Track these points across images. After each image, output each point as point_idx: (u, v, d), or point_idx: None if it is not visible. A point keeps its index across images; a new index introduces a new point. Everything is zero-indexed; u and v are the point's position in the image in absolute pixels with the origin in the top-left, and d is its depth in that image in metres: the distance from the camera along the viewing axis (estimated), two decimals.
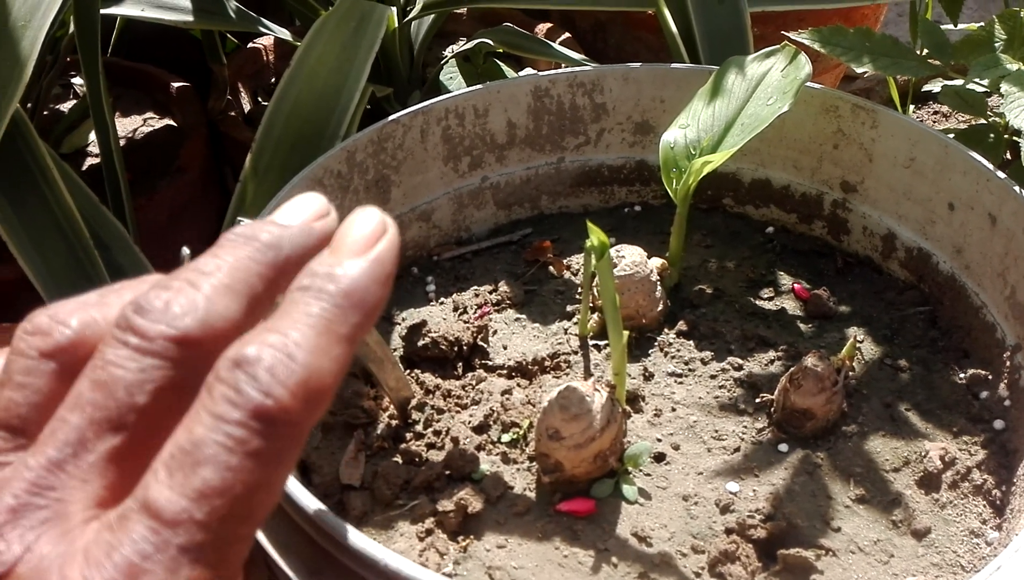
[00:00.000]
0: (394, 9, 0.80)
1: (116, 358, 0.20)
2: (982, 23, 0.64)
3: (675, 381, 0.54)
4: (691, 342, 0.57)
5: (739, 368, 0.55)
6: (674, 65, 0.65)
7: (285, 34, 0.85)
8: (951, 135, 0.60)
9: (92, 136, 0.90)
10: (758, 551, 0.45)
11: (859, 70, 0.61)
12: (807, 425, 0.50)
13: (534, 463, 0.49)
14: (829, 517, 0.47)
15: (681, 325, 0.57)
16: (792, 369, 0.51)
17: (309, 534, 0.39)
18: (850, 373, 0.53)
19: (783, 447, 0.50)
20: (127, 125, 0.93)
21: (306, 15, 0.89)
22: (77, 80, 0.99)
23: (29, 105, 0.82)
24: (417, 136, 0.62)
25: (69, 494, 0.19)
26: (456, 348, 0.55)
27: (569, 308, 0.59)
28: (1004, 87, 0.54)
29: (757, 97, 0.57)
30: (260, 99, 0.95)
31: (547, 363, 0.55)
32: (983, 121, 0.68)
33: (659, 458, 0.50)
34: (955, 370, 0.55)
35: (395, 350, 0.57)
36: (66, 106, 0.96)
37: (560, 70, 0.65)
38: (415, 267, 0.64)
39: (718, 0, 0.72)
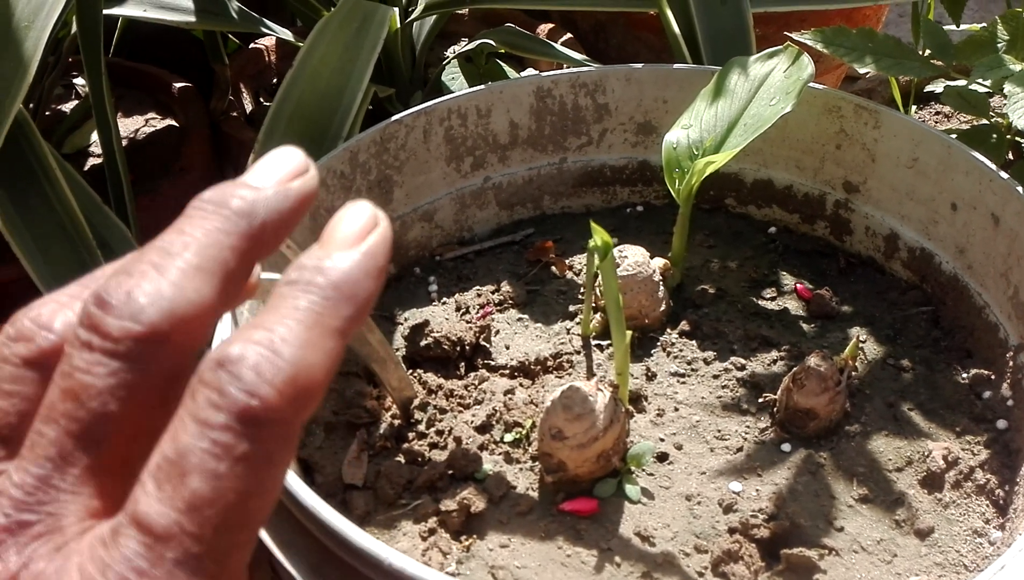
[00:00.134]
0: (396, 10, 0.81)
1: (83, 363, 0.19)
2: (984, 24, 0.64)
3: (678, 381, 0.54)
4: (694, 342, 0.57)
5: (742, 368, 0.55)
6: (676, 66, 0.65)
7: (287, 35, 0.85)
8: (954, 135, 0.60)
9: (94, 136, 0.90)
10: (761, 551, 0.45)
11: (861, 71, 0.61)
12: (810, 425, 0.50)
13: (537, 463, 0.49)
14: (832, 517, 0.47)
15: (684, 325, 0.57)
16: (795, 369, 0.51)
17: (312, 533, 0.39)
18: (853, 373, 0.53)
19: (786, 447, 0.50)
20: (129, 125, 0.93)
21: (308, 16, 0.89)
22: (79, 80, 0.99)
23: (32, 105, 0.82)
24: (420, 136, 0.62)
25: (61, 507, 0.18)
26: (458, 348, 0.55)
27: (571, 308, 0.59)
28: (1007, 87, 0.54)
29: (760, 97, 0.57)
30: (262, 99, 0.95)
31: (550, 363, 0.55)
32: (985, 122, 0.68)
33: (662, 458, 0.50)
34: (958, 370, 0.55)
35: (398, 350, 0.57)
36: (68, 106, 0.96)
37: (562, 71, 0.65)
38: (417, 267, 0.64)
39: (721, 0, 0.72)
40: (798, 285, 0.61)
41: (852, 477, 0.49)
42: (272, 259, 0.24)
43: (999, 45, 0.60)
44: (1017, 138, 0.66)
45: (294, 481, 0.38)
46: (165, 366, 0.19)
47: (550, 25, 0.97)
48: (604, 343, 0.57)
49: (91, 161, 0.89)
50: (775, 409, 0.52)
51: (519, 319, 0.59)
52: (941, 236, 0.59)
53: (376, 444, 0.50)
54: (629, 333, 0.50)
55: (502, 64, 0.91)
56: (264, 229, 0.21)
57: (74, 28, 0.74)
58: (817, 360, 0.50)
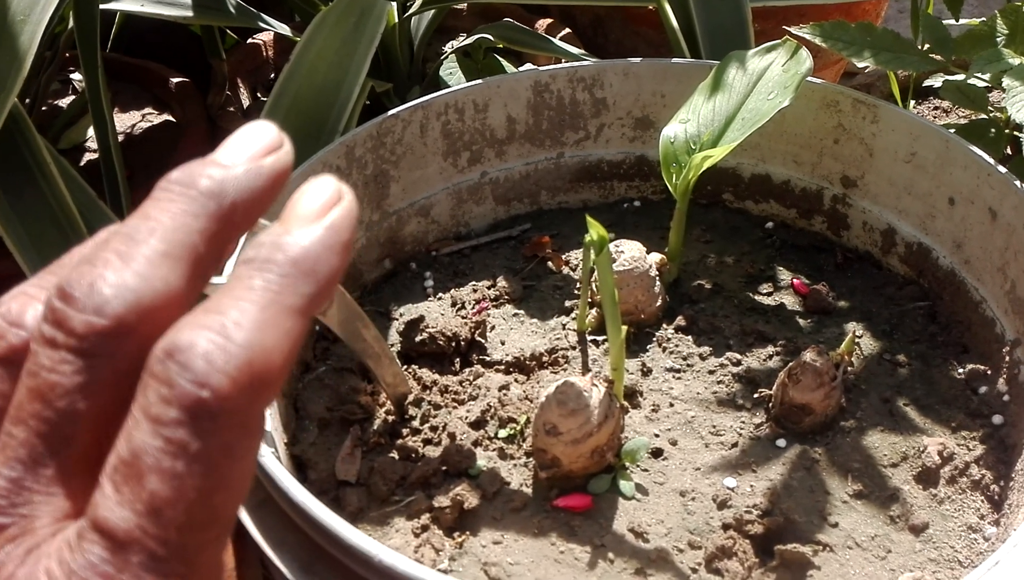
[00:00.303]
0: (394, 4, 0.80)
1: (48, 362, 0.18)
2: (983, 18, 0.64)
3: (673, 376, 0.54)
4: (690, 337, 0.56)
5: (737, 363, 0.55)
6: (674, 60, 0.65)
7: (285, 30, 0.85)
8: (952, 130, 0.60)
9: (91, 132, 0.90)
10: (755, 547, 0.45)
11: (860, 65, 0.61)
12: (805, 420, 0.50)
13: (531, 459, 0.49)
14: (827, 513, 0.47)
15: (680, 320, 0.57)
16: (791, 364, 0.50)
17: (303, 530, 0.39)
18: (849, 368, 0.53)
19: (781, 442, 0.50)
20: (126, 120, 0.93)
21: (306, 11, 0.89)
22: (76, 76, 0.99)
23: (28, 100, 0.82)
24: (416, 131, 0.62)
25: (34, 509, 0.18)
26: (454, 343, 0.55)
27: (567, 303, 0.59)
28: (1006, 81, 0.54)
29: (758, 92, 0.57)
30: (260, 95, 0.95)
31: (545, 358, 0.55)
32: (984, 116, 0.67)
33: (656, 453, 0.50)
34: (954, 365, 0.55)
35: (392, 345, 0.57)
36: (65, 102, 0.96)
37: (560, 65, 0.65)
38: (413, 262, 0.64)
39: None
40: (795, 280, 0.61)
41: (847, 473, 0.49)
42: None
43: (998, 39, 0.60)
44: (1015, 133, 0.66)
45: (285, 477, 0.38)
46: (134, 359, 0.18)
47: (548, 20, 0.97)
48: (600, 338, 0.56)
49: (87, 156, 0.89)
50: (770, 404, 0.52)
51: (515, 314, 0.59)
52: (938, 231, 0.58)
53: (370, 440, 0.50)
54: (625, 328, 0.49)
55: (500, 59, 0.91)
56: (235, 209, 0.20)
57: (71, 23, 0.74)
58: (813, 355, 0.50)
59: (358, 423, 0.51)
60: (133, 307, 0.18)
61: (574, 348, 0.56)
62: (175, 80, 0.94)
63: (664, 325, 0.57)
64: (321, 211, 0.20)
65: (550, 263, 0.63)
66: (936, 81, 0.72)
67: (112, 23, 0.96)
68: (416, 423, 0.51)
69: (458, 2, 0.85)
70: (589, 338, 0.57)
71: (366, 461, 0.49)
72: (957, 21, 0.72)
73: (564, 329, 0.57)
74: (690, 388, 0.53)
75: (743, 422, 0.51)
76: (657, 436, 0.51)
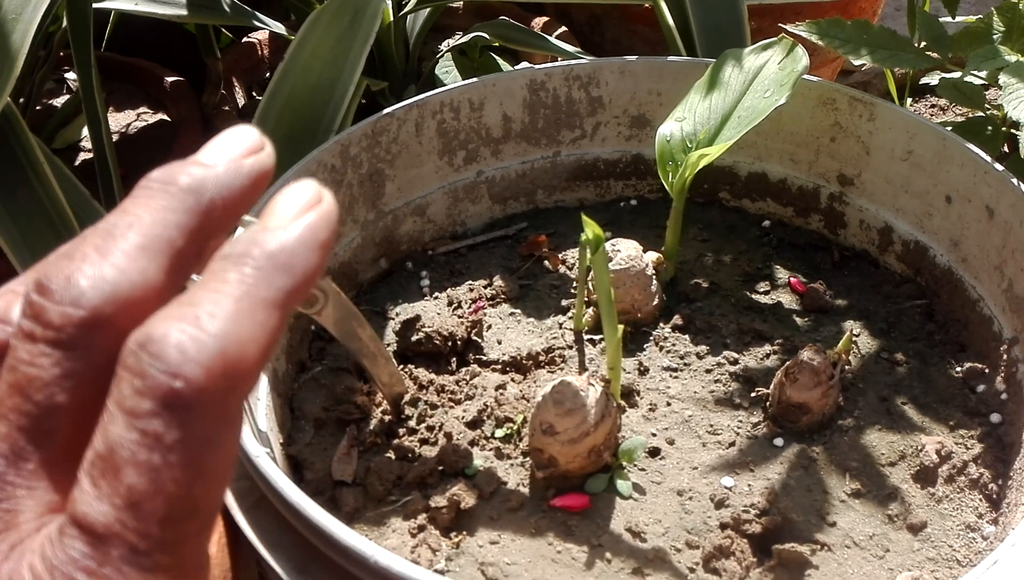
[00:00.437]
0: (389, 2, 0.80)
1: (27, 355, 0.18)
2: (980, 16, 0.64)
3: (670, 375, 0.54)
4: (687, 336, 0.56)
5: (735, 362, 0.54)
6: (671, 58, 0.64)
7: (280, 28, 0.84)
8: (949, 128, 0.60)
9: (85, 131, 0.89)
10: (753, 546, 0.45)
11: (857, 62, 0.61)
12: (803, 419, 0.50)
13: (528, 458, 0.48)
14: (824, 512, 0.47)
15: (677, 319, 0.57)
16: (788, 363, 0.50)
17: (299, 531, 0.39)
18: (846, 367, 0.53)
19: (779, 441, 0.50)
20: (121, 120, 0.93)
21: (301, 9, 0.88)
22: (70, 75, 0.98)
23: (21, 100, 0.81)
24: (412, 130, 0.62)
25: (17, 504, 0.18)
26: (450, 343, 0.55)
27: (564, 302, 0.59)
28: (1003, 78, 0.53)
29: (754, 90, 0.57)
30: (255, 94, 0.94)
31: (541, 358, 0.55)
32: (981, 114, 0.67)
33: (654, 453, 0.49)
34: (952, 364, 0.55)
35: (388, 345, 0.57)
36: (59, 101, 0.96)
37: (556, 63, 0.65)
38: (409, 262, 0.64)
39: None
40: (792, 279, 0.60)
41: (845, 472, 0.48)
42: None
43: (995, 36, 0.60)
44: (1012, 130, 0.66)
45: (280, 478, 0.38)
46: (112, 352, 0.18)
47: (545, 18, 0.97)
48: (596, 338, 0.56)
49: (82, 156, 0.88)
50: (768, 403, 0.52)
51: (511, 314, 0.59)
52: (935, 229, 0.58)
53: (366, 440, 0.50)
54: (621, 327, 0.49)
55: (496, 57, 0.90)
56: (213, 206, 0.20)
57: (65, 22, 0.73)
58: (810, 354, 0.50)
59: (354, 423, 0.51)
60: (110, 299, 0.18)
61: (571, 347, 0.56)
62: (170, 79, 0.93)
63: (661, 324, 0.57)
64: (300, 211, 0.20)
65: (546, 262, 0.63)
66: (933, 79, 0.72)
67: (106, 22, 0.95)
68: (412, 423, 0.51)
69: (454, 0, 0.85)
70: (586, 337, 0.56)
71: (362, 461, 0.49)
72: (954, 18, 0.72)
73: (561, 328, 0.57)
74: (687, 387, 0.53)
75: (740, 421, 0.51)
76: (654, 435, 0.50)
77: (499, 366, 0.55)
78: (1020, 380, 0.51)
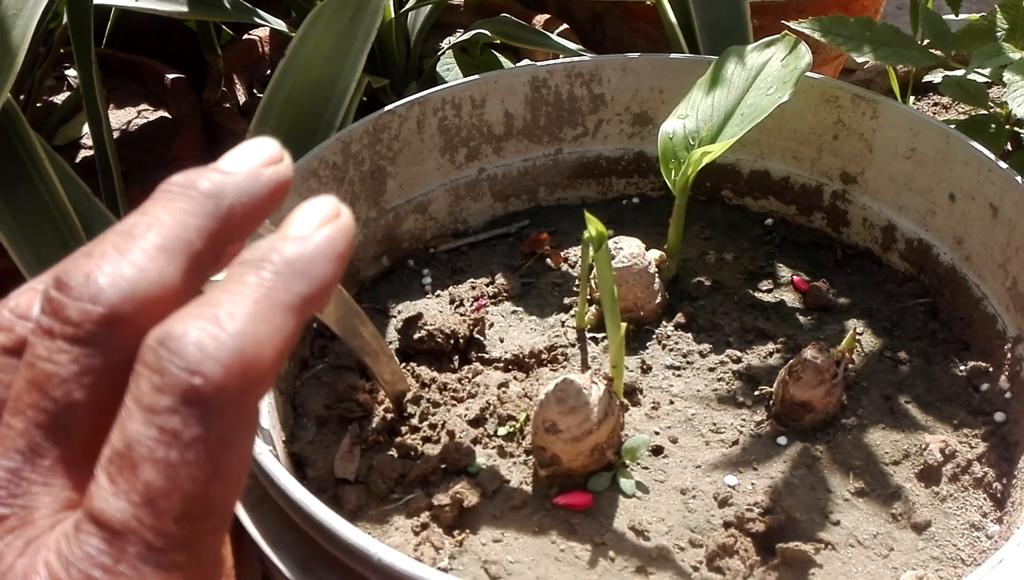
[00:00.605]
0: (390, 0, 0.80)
1: (45, 351, 0.18)
2: (983, 13, 0.63)
3: (673, 374, 0.54)
4: (689, 334, 0.56)
5: (738, 361, 0.54)
6: (673, 55, 0.64)
7: (281, 25, 0.84)
8: (952, 126, 0.59)
9: (86, 128, 0.89)
10: (757, 545, 0.45)
11: (860, 60, 0.61)
12: (806, 418, 0.50)
13: (531, 456, 0.48)
14: (828, 510, 0.46)
15: (679, 317, 0.57)
16: (791, 361, 0.50)
17: (301, 528, 0.39)
18: (850, 365, 0.53)
19: (782, 440, 0.50)
20: (121, 117, 0.93)
21: (302, 6, 0.88)
22: (71, 72, 0.98)
23: (22, 97, 0.81)
24: (413, 127, 0.61)
25: (33, 500, 0.18)
26: (452, 341, 0.55)
27: (566, 300, 0.59)
28: (1007, 76, 0.53)
29: (757, 87, 0.56)
30: (255, 91, 0.94)
31: (544, 356, 0.55)
32: (984, 112, 0.67)
33: (657, 451, 0.49)
34: (955, 362, 0.54)
35: (391, 343, 0.56)
36: (60, 98, 0.95)
37: (558, 60, 0.65)
38: (411, 259, 0.64)
39: None
40: (795, 277, 0.60)
41: (848, 470, 0.48)
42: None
43: (998, 34, 0.60)
44: (1016, 128, 0.66)
45: (283, 475, 0.38)
46: (130, 350, 0.18)
47: (546, 16, 0.96)
48: (599, 336, 0.56)
49: (83, 153, 0.88)
50: (771, 402, 0.51)
51: (513, 312, 0.58)
52: (939, 227, 0.58)
53: (368, 438, 0.50)
54: (624, 325, 0.49)
55: (497, 55, 0.90)
56: (232, 212, 0.20)
57: (65, 19, 0.73)
58: (814, 352, 0.49)
59: (357, 421, 0.51)
60: (128, 296, 0.18)
61: (573, 345, 0.56)
62: (170, 76, 0.93)
63: (664, 322, 0.57)
64: (320, 224, 0.20)
65: (548, 260, 0.63)
66: (936, 77, 0.72)
67: (107, 19, 0.95)
68: (415, 421, 0.51)
69: None
70: (588, 335, 0.56)
71: (365, 459, 0.49)
72: (957, 16, 0.72)
73: (563, 326, 0.57)
74: (690, 385, 0.53)
75: (744, 420, 0.51)
76: (657, 434, 0.50)
77: (501, 364, 0.55)
78: None
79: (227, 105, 0.88)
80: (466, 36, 0.83)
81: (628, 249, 0.56)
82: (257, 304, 0.18)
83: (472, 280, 0.61)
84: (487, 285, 0.60)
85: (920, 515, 0.46)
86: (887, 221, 0.61)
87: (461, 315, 0.57)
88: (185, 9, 0.78)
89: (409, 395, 0.52)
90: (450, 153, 0.64)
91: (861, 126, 0.60)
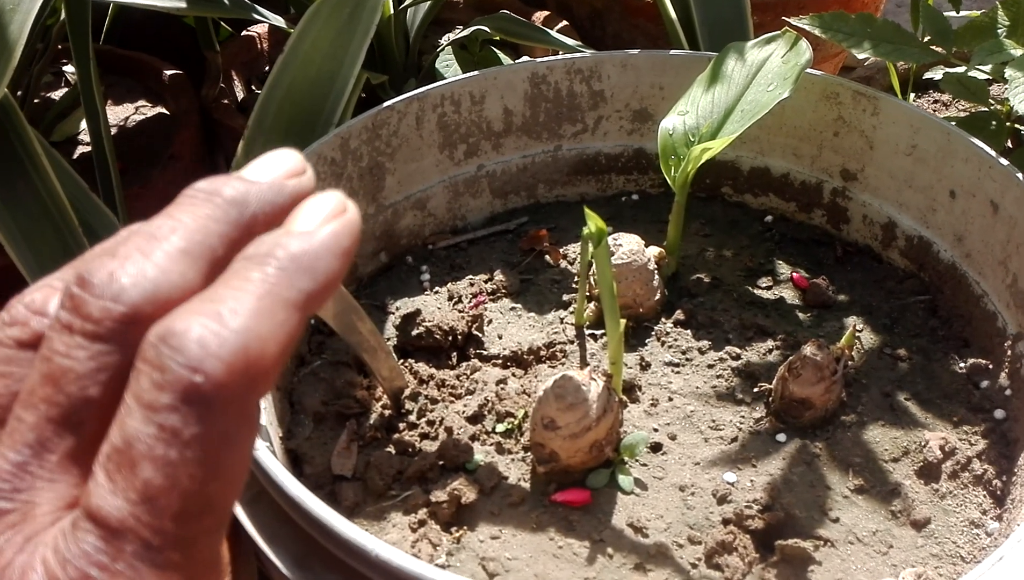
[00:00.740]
0: None
1: (62, 346, 0.18)
2: (984, 10, 0.63)
3: (672, 371, 0.54)
4: (689, 331, 0.56)
5: (737, 357, 0.54)
6: (673, 52, 0.64)
7: (280, 21, 0.84)
8: (953, 123, 0.59)
9: (83, 124, 0.89)
10: (755, 542, 0.44)
11: (860, 56, 0.60)
12: (806, 415, 0.50)
13: (529, 453, 0.48)
14: (828, 507, 0.46)
15: (679, 314, 0.57)
16: (791, 358, 0.50)
17: (298, 524, 0.38)
18: (849, 362, 0.52)
19: (781, 437, 0.50)
20: (119, 113, 0.93)
21: (301, 2, 0.88)
22: (69, 68, 0.98)
23: (20, 93, 0.81)
24: (412, 123, 0.61)
25: (36, 495, 0.18)
26: (450, 337, 0.55)
27: (565, 297, 0.59)
28: (1008, 72, 0.53)
29: (757, 83, 0.56)
30: (254, 87, 0.94)
31: (543, 352, 0.55)
32: (985, 109, 0.67)
33: (656, 448, 0.49)
34: (955, 359, 0.54)
35: (389, 339, 0.56)
36: (57, 94, 0.95)
37: (557, 56, 0.64)
38: (409, 256, 0.64)
39: None
40: (794, 274, 0.60)
41: (848, 467, 0.48)
42: None
43: (999, 30, 0.59)
44: (1017, 125, 0.65)
45: (280, 472, 0.38)
46: None
47: (545, 12, 0.96)
48: (598, 333, 0.56)
49: (80, 149, 0.88)
50: (770, 399, 0.51)
51: (512, 308, 0.58)
52: (939, 224, 0.58)
53: (366, 435, 0.50)
54: (623, 322, 0.49)
55: (497, 51, 0.90)
56: (255, 220, 0.20)
57: (63, 15, 0.73)
58: (813, 349, 0.49)
59: (354, 417, 0.51)
60: (150, 297, 0.18)
61: (572, 342, 0.56)
62: (168, 72, 0.93)
63: (663, 319, 0.57)
64: (325, 219, 0.20)
65: (547, 257, 0.62)
66: (936, 74, 0.72)
67: (104, 15, 0.95)
68: (413, 417, 0.51)
69: None
70: (587, 332, 0.56)
71: (362, 456, 0.49)
72: (958, 13, 0.72)
73: (562, 323, 0.57)
74: (689, 382, 0.53)
75: (743, 416, 0.51)
76: (656, 431, 0.50)
77: (500, 361, 0.54)
78: None
79: (225, 101, 0.88)
80: (465, 33, 0.83)
81: (627, 246, 0.56)
82: (260, 300, 0.18)
83: (471, 277, 0.61)
84: (486, 282, 0.60)
85: (920, 512, 0.46)
86: (887, 218, 0.61)
87: (460, 312, 0.57)
88: (183, 5, 0.78)
89: (407, 391, 0.52)
90: (449, 149, 0.64)
91: (862, 123, 0.60)
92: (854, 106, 0.60)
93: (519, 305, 0.58)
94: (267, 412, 0.47)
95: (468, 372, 0.53)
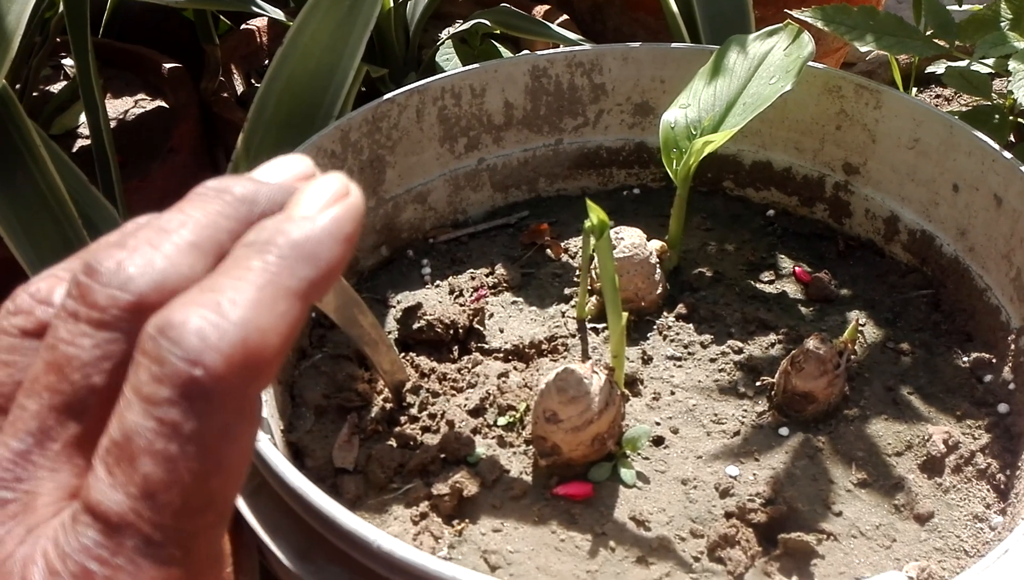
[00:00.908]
0: None
1: (68, 334, 0.18)
2: (987, 3, 0.63)
3: (674, 364, 0.53)
4: (690, 325, 0.56)
5: (739, 351, 0.54)
6: (674, 45, 0.64)
7: (279, 14, 0.84)
8: (955, 116, 0.59)
9: (83, 117, 0.89)
10: (758, 535, 0.44)
11: (863, 49, 0.60)
12: (808, 408, 0.50)
13: (531, 446, 0.48)
14: (830, 501, 0.46)
15: (680, 308, 0.56)
16: (794, 352, 0.50)
17: (300, 517, 0.38)
18: (852, 356, 0.52)
19: (784, 431, 0.50)
20: (118, 106, 0.92)
21: None
22: (68, 61, 0.97)
23: (19, 86, 0.81)
24: (413, 116, 0.61)
25: (38, 485, 0.18)
26: (452, 331, 0.55)
27: (567, 291, 0.59)
28: (1012, 65, 0.53)
29: (759, 76, 0.56)
30: (253, 80, 0.93)
31: (544, 346, 0.54)
32: (987, 102, 0.67)
33: (658, 441, 0.49)
34: (958, 353, 0.54)
35: (390, 333, 0.56)
36: (56, 87, 0.95)
37: (558, 50, 0.64)
38: (410, 250, 0.63)
39: None
40: (796, 268, 0.60)
41: (851, 461, 0.48)
42: None
43: (1002, 23, 0.59)
44: (1020, 119, 0.65)
45: (282, 463, 0.37)
46: None
47: (546, 6, 0.96)
48: (600, 326, 0.56)
49: (80, 142, 0.87)
50: (773, 393, 0.51)
51: (513, 302, 0.58)
52: (942, 218, 0.58)
53: (367, 428, 0.50)
54: (625, 316, 0.49)
55: (497, 45, 0.90)
56: (263, 218, 0.20)
57: (61, 7, 0.72)
58: (816, 343, 0.49)
59: (355, 411, 0.50)
60: (158, 287, 0.18)
61: (573, 336, 0.55)
62: (168, 66, 0.92)
63: (665, 313, 0.57)
64: (327, 203, 0.20)
65: (548, 251, 0.62)
66: (939, 68, 0.71)
67: (103, 8, 0.94)
68: (414, 411, 0.50)
69: None
70: (589, 326, 0.56)
71: (364, 449, 0.49)
72: (960, 6, 0.71)
73: (563, 317, 0.57)
74: (691, 376, 0.53)
75: (745, 410, 0.51)
76: (658, 424, 0.50)
77: (501, 354, 0.54)
78: None
79: (225, 95, 0.87)
80: (466, 26, 0.83)
81: (629, 239, 0.56)
82: (261, 290, 0.18)
83: (472, 270, 0.61)
84: (487, 275, 0.60)
85: (923, 506, 0.46)
86: (890, 212, 0.61)
87: (461, 305, 0.57)
88: None
89: (408, 385, 0.51)
90: (450, 143, 0.63)
91: (864, 116, 0.60)
92: (856, 99, 0.59)
93: (520, 299, 0.58)
94: (269, 405, 0.47)
95: (469, 366, 0.53)
